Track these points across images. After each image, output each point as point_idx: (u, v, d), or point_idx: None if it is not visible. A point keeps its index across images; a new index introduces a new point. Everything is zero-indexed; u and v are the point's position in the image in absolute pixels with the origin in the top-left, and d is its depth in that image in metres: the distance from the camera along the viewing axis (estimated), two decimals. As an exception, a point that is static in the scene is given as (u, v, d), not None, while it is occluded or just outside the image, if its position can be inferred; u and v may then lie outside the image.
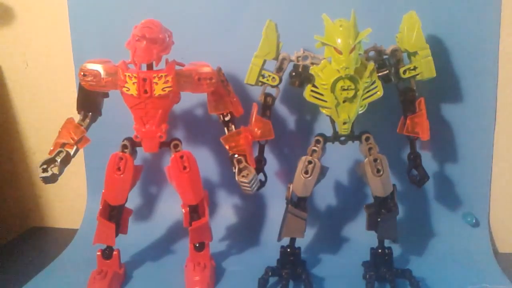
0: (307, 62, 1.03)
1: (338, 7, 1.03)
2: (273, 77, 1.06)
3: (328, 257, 1.22)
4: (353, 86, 0.99)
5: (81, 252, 1.24)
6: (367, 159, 1.04)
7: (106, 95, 1.10)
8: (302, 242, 1.16)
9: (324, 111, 1.03)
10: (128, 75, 1.00)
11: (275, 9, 1.21)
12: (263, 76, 1.07)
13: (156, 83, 1.00)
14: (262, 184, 1.13)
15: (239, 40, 1.22)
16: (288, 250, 1.11)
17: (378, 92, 1.03)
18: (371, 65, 1.01)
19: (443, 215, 1.28)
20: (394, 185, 1.07)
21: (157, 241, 1.32)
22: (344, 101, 1.00)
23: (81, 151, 1.10)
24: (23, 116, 1.43)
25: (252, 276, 1.09)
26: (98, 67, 1.03)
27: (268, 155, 1.23)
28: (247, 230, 1.33)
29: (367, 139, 1.05)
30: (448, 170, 1.26)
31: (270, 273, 1.09)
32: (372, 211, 1.08)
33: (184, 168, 1.06)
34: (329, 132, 1.08)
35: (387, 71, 1.02)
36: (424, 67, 1.05)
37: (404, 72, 1.06)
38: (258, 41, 1.04)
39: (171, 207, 1.31)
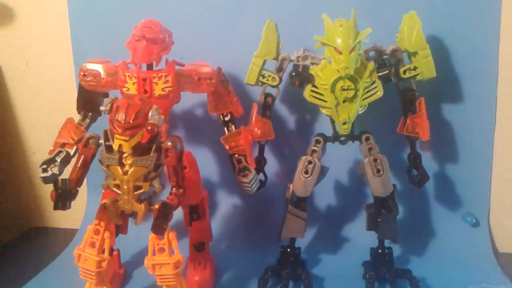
0: (307, 62, 1.03)
1: (338, 7, 1.02)
2: (273, 77, 1.06)
3: (328, 257, 1.22)
4: (353, 86, 0.99)
5: (81, 252, 1.24)
6: (367, 159, 1.04)
7: (106, 95, 1.10)
8: (302, 242, 1.16)
9: (324, 111, 1.03)
10: (128, 75, 1.00)
11: (275, 9, 1.21)
12: (263, 76, 1.06)
13: (156, 83, 1.00)
14: (262, 184, 1.13)
15: (239, 40, 1.22)
16: (288, 250, 1.11)
17: (378, 92, 1.02)
18: (371, 65, 1.00)
19: (443, 215, 1.27)
20: (394, 185, 1.07)
21: (157, 241, 1.32)
22: (344, 101, 1.00)
23: (81, 151, 1.11)
24: (23, 116, 1.43)
25: (252, 276, 1.09)
26: (98, 67, 1.03)
27: (268, 155, 1.23)
28: (247, 230, 1.33)
29: (367, 139, 1.05)
30: (448, 170, 1.26)
31: (270, 273, 1.09)
32: (372, 211, 1.08)
33: (184, 168, 1.06)
34: (329, 132, 1.08)
35: (387, 71, 1.02)
36: (424, 67, 1.04)
37: (404, 72, 1.05)
38: (258, 41, 1.04)
39: (171, 207, 1.31)
